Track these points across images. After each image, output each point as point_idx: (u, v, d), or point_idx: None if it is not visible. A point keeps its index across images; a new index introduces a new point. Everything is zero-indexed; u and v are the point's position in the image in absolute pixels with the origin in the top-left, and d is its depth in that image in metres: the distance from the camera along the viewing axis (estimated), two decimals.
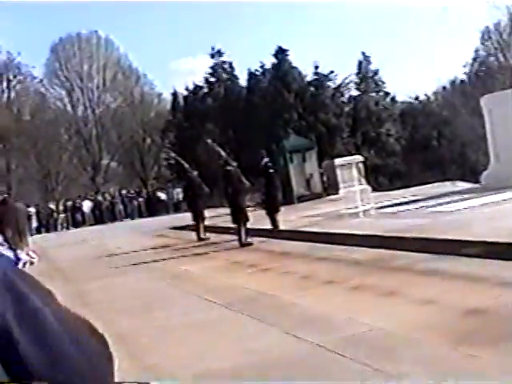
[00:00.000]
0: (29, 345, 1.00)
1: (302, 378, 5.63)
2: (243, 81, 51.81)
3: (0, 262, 1.13)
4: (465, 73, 56.97)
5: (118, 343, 7.76)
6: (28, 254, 5.36)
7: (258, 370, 5.97)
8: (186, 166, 21.20)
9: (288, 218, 19.49)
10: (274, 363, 6.10)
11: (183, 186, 24.88)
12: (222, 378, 5.90)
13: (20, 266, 5.24)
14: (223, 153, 17.62)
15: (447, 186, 25.05)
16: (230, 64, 52.23)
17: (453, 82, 57.76)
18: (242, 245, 15.99)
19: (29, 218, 31.11)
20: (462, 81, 57.00)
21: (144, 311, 9.49)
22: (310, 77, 50.17)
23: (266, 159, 18.16)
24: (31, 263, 5.28)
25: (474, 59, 56.40)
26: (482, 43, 56.02)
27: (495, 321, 6.35)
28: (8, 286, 1.03)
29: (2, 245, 4.98)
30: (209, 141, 21.05)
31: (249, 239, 16.17)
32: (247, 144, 42.98)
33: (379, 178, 44.92)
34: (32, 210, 38.63)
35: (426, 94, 56.62)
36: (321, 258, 12.29)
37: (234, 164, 17.00)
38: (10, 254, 5.05)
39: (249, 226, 16.55)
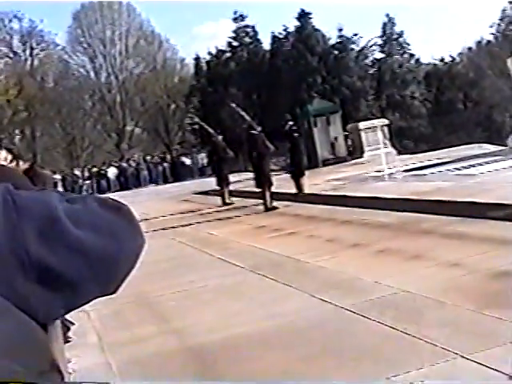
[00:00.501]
0: (62, 261, 1.00)
1: (327, 341, 5.65)
2: (266, 45, 51.49)
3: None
4: (491, 33, 56.05)
5: (145, 307, 7.86)
6: None
7: (284, 334, 6.01)
8: (211, 130, 21.19)
9: (313, 181, 19.46)
10: (300, 327, 6.13)
11: (208, 150, 24.89)
12: (248, 342, 5.94)
13: None
14: (247, 117, 17.58)
15: (473, 149, 24.81)
16: (253, 28, 51.87)
17: (479, 43, 56.84)
18: (267, 209, 16.01)
19: (55, 184, 31.35)
20: (488, 41, 56.04)
21: (171, 275, 9.56)
22: (333, 40, 49.71)
23: (290, 123, 18.09)
24: None
25: (501, 19, 55.41)
26: (510, 2, 54.95)
27: None
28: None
29: None
30: (233, 104, 20.97)
31: (274, 203, 16.18)
32: (271, 108, 42.83)
33: (404, 141, 44.58)
34: (57, 176, 38.93)
35: (451, 56, 55.81)
36: (346, 222, 12.28)
37: (259, 128, 16.95)
38: None
39: (274, 190, 16.55)
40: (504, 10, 54.89)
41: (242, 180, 24.21)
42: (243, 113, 18.02)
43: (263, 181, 16.33)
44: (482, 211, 10.19)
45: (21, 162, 6.14)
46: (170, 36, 58.65)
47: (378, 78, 50.03)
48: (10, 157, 6.25)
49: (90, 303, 1.11)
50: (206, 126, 22.24)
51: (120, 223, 1.11)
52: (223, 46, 52.38)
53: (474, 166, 17.55)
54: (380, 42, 51.69)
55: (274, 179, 16.81)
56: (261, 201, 16.43)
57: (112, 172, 43.16)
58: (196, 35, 77.61)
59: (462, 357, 4.69)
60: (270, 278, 8.29)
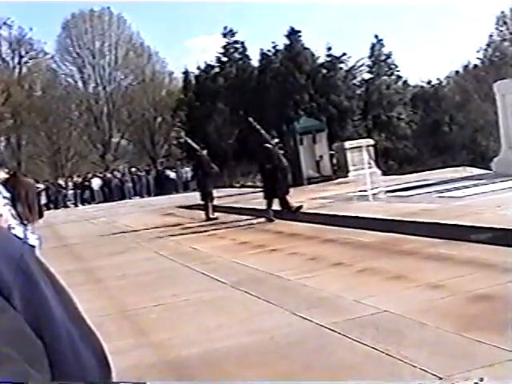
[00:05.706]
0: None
1: (306, 358, 5.64)
2: (255, 61, 51.71)
3: (20, 244, 1.10)
4: (478, 58, 56.58)
5: (126, 319, 7.82)
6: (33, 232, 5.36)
7: (263, 349, 5.99)
8: (195, 146, 21.15)
9: (297, 199, 19.46)
10: (280, 343, 6.12)
11: (193, 165, 24.86)
12: (228, 357, 5.92)
13: (34, 241, 5.25)
14: (262, 130, 17.78)
15: (458, 172, 24.93)
16: (243, 44, 52.10)
17: (466, 67, 57.34)
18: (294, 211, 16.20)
19: (38, 193, 31.17)
20: (475, 65, 56.55)
21: (152, 288, 9.53)
22: (322, 58, 49.99)
23: (276, 140, 18.16)
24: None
25: (488, 44, 55.95)
26: (497, 28, 55.56)
27: (502, 307, 6.35)
28: (22, 268, 1.02)
29: (15, 218, 4.99)
30: (250, 118, 20.27)
31: (259, 219, 16.19)
32: (258, 124, 42.89)
33: (389, 161, 44.81)
34: (41, 186, 38.72)
35: (438, 78, 56.30)
36: (329, 240, 12.29)
37: (273, 142, 17.24)
38: (21, 229, 5.07)
39: (257, 206, 16.57)
40: (491, 36, 55.51)
41: (226, 195, 24.20)
42: (258, 126, 18.13)
43: (277, 193, 16.52)
44: (464, 234, 10.24)
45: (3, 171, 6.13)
46: (162, 48, 58.74)
47: (365, 98, 50.31)
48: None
49: None
50: (190, 141, 22.20)
51: (91, 362, 1.11)
52: (212, 60, 52.60)
53: (457, 188, 17.63)
54: (368, 62, 52.05)
55: (256, 195, 16.85)
56: (244, 217, 16.43)
57: (96, 183, 42.97)
58: (188, 48, 77.77)
59: (441, 378, 4.70)
60: (252, 294, 8.28)
